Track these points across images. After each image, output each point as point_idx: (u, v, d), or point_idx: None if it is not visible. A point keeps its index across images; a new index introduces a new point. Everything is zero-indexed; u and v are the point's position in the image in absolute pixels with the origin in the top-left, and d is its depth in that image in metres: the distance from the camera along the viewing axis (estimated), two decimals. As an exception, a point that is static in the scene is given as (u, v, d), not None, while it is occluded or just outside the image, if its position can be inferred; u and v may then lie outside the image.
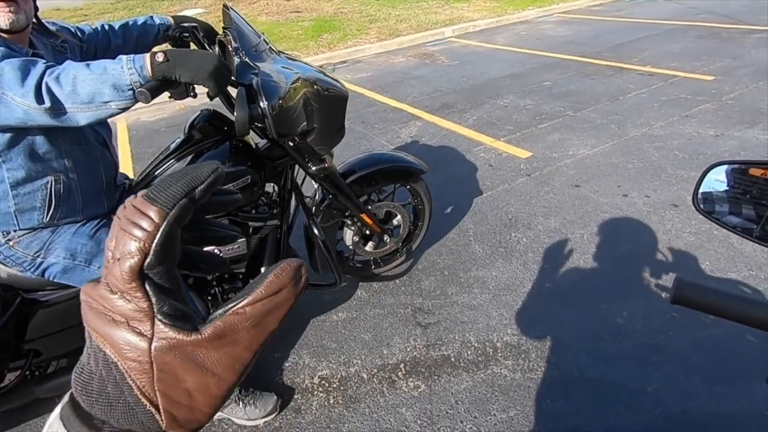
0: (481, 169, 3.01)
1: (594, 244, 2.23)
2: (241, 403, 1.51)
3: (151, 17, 1.57)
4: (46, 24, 1.29)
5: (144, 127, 4.27)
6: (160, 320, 0.22)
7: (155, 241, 0.21)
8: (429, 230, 2.18)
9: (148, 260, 0.21)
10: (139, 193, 0.23)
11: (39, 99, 0.97)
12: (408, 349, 1.76)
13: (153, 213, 0.21)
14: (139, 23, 1.54)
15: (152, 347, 0.22)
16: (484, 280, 2.07)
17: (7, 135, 1.10)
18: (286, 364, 1.75)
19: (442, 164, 3.10)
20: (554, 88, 4.35)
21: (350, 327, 1.89)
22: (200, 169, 0.24)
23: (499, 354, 1.71)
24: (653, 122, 3.41)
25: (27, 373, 1.46)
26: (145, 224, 0.21)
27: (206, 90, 1.09)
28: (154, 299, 0.22)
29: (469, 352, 1.73)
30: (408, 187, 2.00)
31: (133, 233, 0.21)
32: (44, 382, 1.47)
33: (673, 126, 3.32)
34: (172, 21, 1.58)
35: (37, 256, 1.26)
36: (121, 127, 4.27)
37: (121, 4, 11.07)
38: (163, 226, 0.21)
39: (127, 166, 3.56)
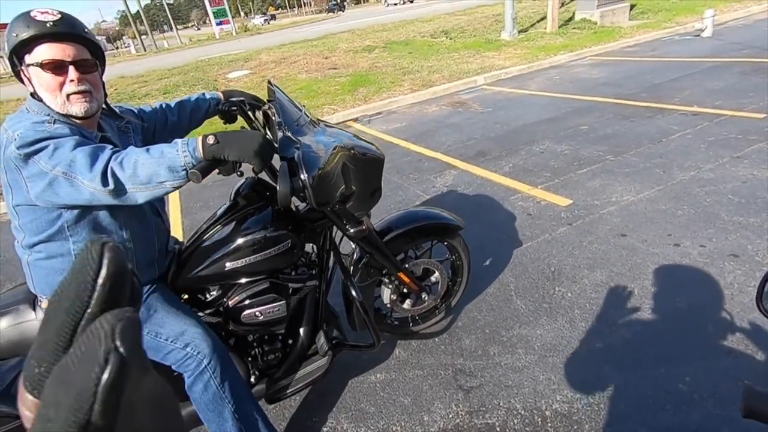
0: (520, 219, 2.96)
1: (647, 300, 2.09)
2: (278, 472, 1.47)
3: (203, 94, 1.71)
4: (114, 108, 1.44)
5: (192, 184, 4.54)
6: None
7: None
8: (468, 285, 2.13)
9: None
10: None
11: (105, 182, 1.07)
12: (450, 416, 1.68)
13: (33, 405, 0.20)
14: (192, 100, 1.68)
15: None
16: (528, 339, 1.98)
17: (75, 212, 1.20)
18: (324, 430, 1.70)
19: (479, 214, 3.07)
20: (591, 132, 4.29)
21: (389, 389, 1.84)
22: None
23: (549, 424, 1.59)
24: (701, 165, 3.26)
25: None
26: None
27: (251, 166, 1.16)
28: None
29: (515, 421, 1.62)
30: (445, 243, 1.99)
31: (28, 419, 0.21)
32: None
33: (724, 168, 3.16)
34: (221, 96, 1.72)
35: (93, 323, 1.33)
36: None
37: (176, 69, 12.20)
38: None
39: (176, 220, 3.77)
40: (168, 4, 52.78)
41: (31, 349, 0.23)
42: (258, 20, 52.39)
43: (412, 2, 41.18)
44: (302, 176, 1.22)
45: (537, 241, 2.68)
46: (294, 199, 1.65)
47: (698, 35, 8.09)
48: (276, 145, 1.26)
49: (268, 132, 1.55)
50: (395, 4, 42.13)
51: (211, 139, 1.10)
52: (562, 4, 11.46)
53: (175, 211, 3.97)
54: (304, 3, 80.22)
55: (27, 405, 0.21)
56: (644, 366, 1.75)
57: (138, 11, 37.80)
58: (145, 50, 31.12)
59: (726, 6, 10.13)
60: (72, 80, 1.16)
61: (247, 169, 1.20)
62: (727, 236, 2.43)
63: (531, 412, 1.64)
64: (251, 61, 11.52)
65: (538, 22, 11.42)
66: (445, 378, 1.85)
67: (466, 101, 6.27)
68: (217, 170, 1.16)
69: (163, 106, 1.65)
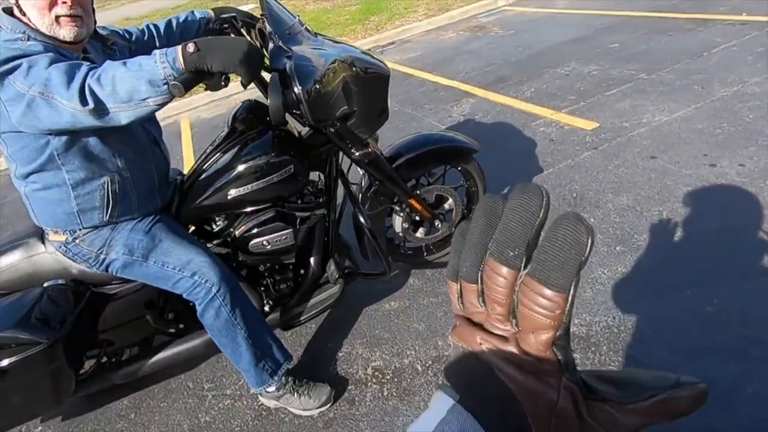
0: (541, 145, 2.79)
1: (676, 223, 1.97)
2: (296, 393, 1.51)
3: (192, 12, 1.58)
4: (98, 30, 1.33)
5: (204, 124, 4.46)
6: (567, 378, 0.25)
7: (563, 319, 0.23)
8: (484, 213, 2.04)
9: (558, 334, 0.24)
10: (529, 273, 0.23)
11: (83, 101, 0.99)
12: (464, 340, 1.67)
13: (558, 299, 0.23)
14: (181, 20, 1.55)
15: (559, 400, 0.24)
16: (546, 265, 1.91)
17: (63, 138, 1.14)
18: (339, 355, 1.73)
19: (498, 142, 2.91)
20: (623, 50, 3.91)
21: (403, 317, 1.83)
22: (576, 232, 0.22)
23: (566, 346, 1.56)
24: (746, 78, 2.94)
25: (103, 360, 1.57)
26: (553, 310, 0.23)
27: (239, 79, 1.06)
28: (561, 359, 0.25)
29: (531, 344, 1.60)
30: (459, 168, 1.88)
31: (544, 315, 0.23)
32: (118, 369, 1.57)
33: (772, 81, 2.85)
34: (212, 14, 1.58)
35: (100, 253, 1.32)
36: (183, 125, 4.50)
37: (181, 8, 11.67)
38: (568, 306, 0.23)
39: (189, 160, 3.75)
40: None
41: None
42: None
43: None
44: (296, 89, 1.11)
45: (559, 167, 2.53)
46: (294, 122, 1.55)
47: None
48: (266, 54, 1.14)
49: (265, 52, 1.42)
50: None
51: (191, 47, 0.99)
52: None
53: (188, 151, 3.94)
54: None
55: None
56: (670, 289, 1.68)
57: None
58: (148, -9, 29.83)
59: None
60: (64, 2, 1.06)
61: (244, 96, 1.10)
62: (771, 154, 2.23)
63: (547, 336, 1.61)
64: (256, -5, 10.89)
65: (568, -70, 10.22)
66: (459, 305, 1.82)
67: (486, 25, 5.80)
68: (203, 85, 1.07)
69: (151, 27, 1.53)
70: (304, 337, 1.84)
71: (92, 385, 1.53)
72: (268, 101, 1.08)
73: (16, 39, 1.07)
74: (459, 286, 0.28)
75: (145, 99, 1.02)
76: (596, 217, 2.10)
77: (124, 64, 1.01)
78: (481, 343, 0.26)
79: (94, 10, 1.21)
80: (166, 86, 1.00)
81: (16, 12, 1.11)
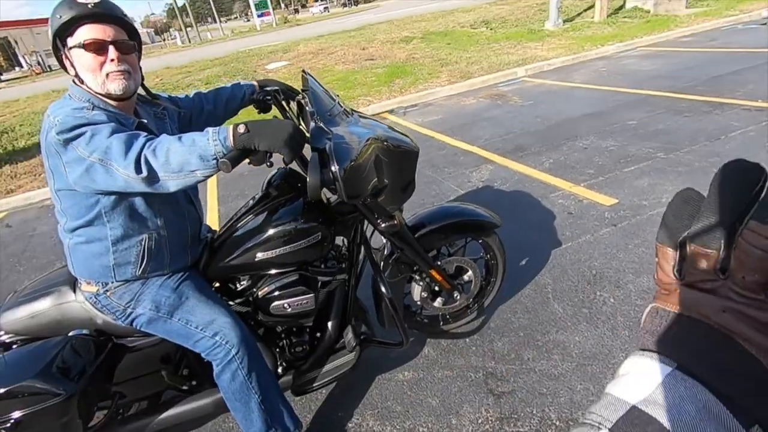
0: (560, 217, 2.82)
1: (699, 310, 1.93)
2: (302, 465, 1.46)
3: (238, 83, 1.70)
4: (151, 93, 1.45)
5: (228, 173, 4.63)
6: None
7: None
8: (502, 285, 2.04)
9: None
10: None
11: (138, 169, 1.07)
12: (479, 421, 1.62)
13: None
14: (227, 89, 1.68)
15: None
16: (565, 345, 1.87)
17: (112, 198, 1.22)
18: (349, 426, 1.68)
19: (516, 211, 2.95)
20: (641, 127, 4.03)
21: (416, 389, 1.79)
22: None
23: (586, 437, 1.50)
24: (765, 164, 2.98)
25: (113, 414, 1.55)
26: None
27: (282, 157, 1.13)
28: None
29: None
30: (480, 241, 1.91)
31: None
32: (126, 424, 1.55)
33: (792, 169, 2.87)
34: (256, 85, 1.70)
35: (128, 307, 1.36)
36: (210, 171, 4.67)
37: (218, 60, 12.53)
38: None
39: (213, 208, 3.86)
40: (212, -3, 54.28)
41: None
42: (317, 9, 53.41)
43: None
44: (333, 168, 1.18)
45: (578, 242, 2.54)
46: (325, 191, 1.62)
47: (765, 23, 7.44)
48: (307, 135, 1.22)
49: (302, 122, 1.52)
50: (434, -6, 41.45)
51: (241, 128, 1.08)
52: (612, -8, 10.87)
53: (212, 200, 4.07)
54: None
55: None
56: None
57: (184, 4, 39.10)
58: (189, 42, 32.19)
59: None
60: (112, 59, 1.18)
61: (278, 160, 1.17)
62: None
63: (566, 424, 1.55)
64: (289, 53, 11.65)
65: (585, 11, 10.88)
66: (475, 381, 1.78)
67: (506, 93, 6.07)
68: (247, 160, 1.15)
69: (199, 94, 1.66)
70: (313, 403, 1.80)
71: (100, 438, 1.51)
72: (308, 178, 1.15)
73: (82, 108, 1.17)
74: (677, 252, 0.27)
75: (194, 171, 1.09)
76: (616, 298, 2.08)
77: (179, 138, 1.10)
78: (724, 311, 0.25)
79: (141, 67, 1.32)
80: (215, 161, 1.08)
81: (77, 81, 1.23)
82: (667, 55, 6.66)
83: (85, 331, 1.42)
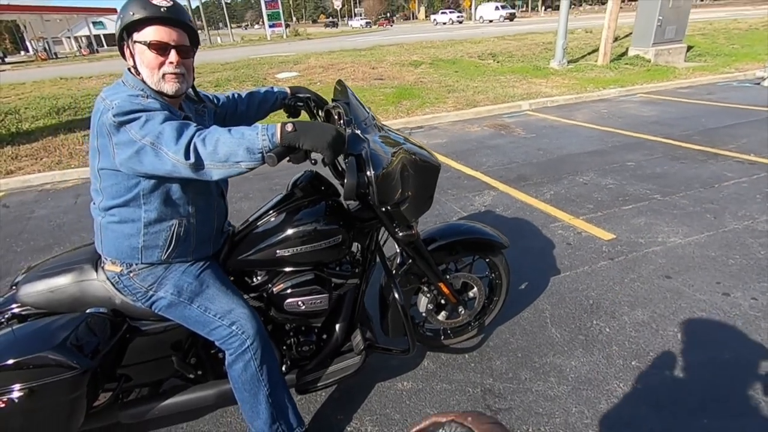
0: (559, 247, 2.91)
1: (690, 346, 2.01)
2: (300, 465, 1.48)
3: (272, 88, 1.78)
4: (197, 92, 1.52)
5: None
6: None
7: None
8: (504, 306, 2.10)
9: None
10: None
11: (187, 155, 1.13)
12: (476, 434, 1.65)
13: None
14: (261, 92, 1.75)
15: None
16: (561, 368, 1.93)
17: (152, 182, 1.27)
18: (348, 429, 1.70)
19: (517, 237, 3.03)
20: (638, 169, 4.19)
21: (415, 399, 1.82)
22: None
23: (579, 458, 1.54)
24: (757, 216, 3.13)
25: (116, 396, 1.56)
26: None
27: (322, 157, 1.20)
28: None
29: (544, 450, 1.58)
30: (487, 260, 1.98)
31: None
32: (128, 408, 1.56)
33: (781, 222, 3.02)
34: (289, 91, 1.78)
35: (150, 289, 1.39)
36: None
37: (228, 65, 12.67)
38: None
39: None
40: (225, 3, 55.12)
41: None
42: (357, 22, 54.88)
43: (461, 23, 41.55)
44: (369, 172, 1.25)
45: (576, 272, 2.62)
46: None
47: (759, 83, 7.82)
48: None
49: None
50: (444, 23, 42.63)
51: (289, 127, 1.14)
52: (616, 39, 11.32)
53: (217, 198, 4.09)
54: (355, 14, 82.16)
55: None
56: (686, 414, 1.68)
57: (197, 7, 39.64)
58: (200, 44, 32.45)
59: (790, 57, 9.76)
60: (171, 62, 1.25)
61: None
62: (782, 292, 2.32)
63: (561, 444, 1.59)
64: (300, 64, 11.85)
65: (589, 54, 11.30)
66: (473, 396, 1.82)
67: (509, 125, 6.25)
68: (287, 158, 1.21)
69: (235, 95, 1.73)
70: (313, 405, 1.82)
71: (100, 420, 1.51)
72: (345, 179, 1.21)
73: (137, 95, 1.23)
74: None
75: (239, 162, 1.15)
76: (612, 328, 2.15)
77: (229, 131, 1.16)
78: None
79: (194, 69, 1.39)
80: (260, 155, 1.14)
81: (133, 72, 1.30)
82: (665, 104, 6.94)
83: (102, 310, 1.44)
